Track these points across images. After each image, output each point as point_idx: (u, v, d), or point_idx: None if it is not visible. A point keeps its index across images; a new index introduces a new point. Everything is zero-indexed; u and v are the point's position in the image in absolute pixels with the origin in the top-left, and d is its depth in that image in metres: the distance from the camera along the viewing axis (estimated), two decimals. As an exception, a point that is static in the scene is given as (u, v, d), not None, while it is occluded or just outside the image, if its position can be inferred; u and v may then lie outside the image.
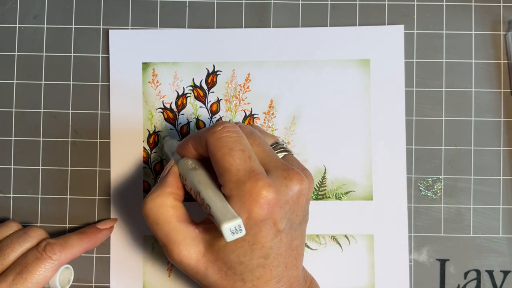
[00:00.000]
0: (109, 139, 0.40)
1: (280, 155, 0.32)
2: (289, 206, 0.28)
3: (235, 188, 0.28)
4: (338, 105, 0.40)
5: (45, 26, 0.41)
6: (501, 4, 0.41)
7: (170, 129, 0.40)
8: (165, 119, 0.41)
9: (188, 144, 0.32)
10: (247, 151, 0.28)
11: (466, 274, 0.40)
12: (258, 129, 0.34)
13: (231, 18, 0.41)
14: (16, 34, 0.41)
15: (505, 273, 0.40)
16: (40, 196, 0.40)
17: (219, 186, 0.30)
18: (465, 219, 0.40)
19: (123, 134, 0.40)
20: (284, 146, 0.33)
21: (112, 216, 0.40)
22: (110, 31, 0.41)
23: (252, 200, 0.27)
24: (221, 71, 0.41)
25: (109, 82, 0.41)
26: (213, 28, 0.41)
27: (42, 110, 0.41)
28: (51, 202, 0.40)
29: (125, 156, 0.40)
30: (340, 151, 0.40)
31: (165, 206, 0.30)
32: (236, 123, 0.32)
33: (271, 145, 0.32)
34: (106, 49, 0.41)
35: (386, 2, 0.41)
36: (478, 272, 0.40)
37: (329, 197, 0.40)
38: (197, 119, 0.41)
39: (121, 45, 0.41)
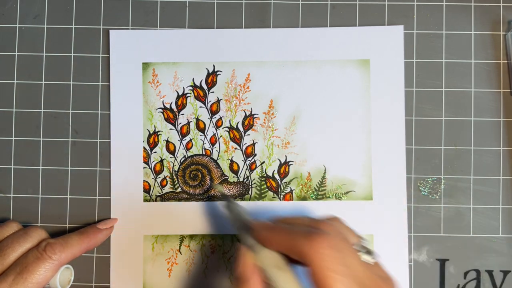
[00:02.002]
0: (109, 139, 0.40)
1: (368, 259, 0.30)
2: None
3: None
4: (338, 105, 0.40)
5: (45, 26, 0.41)
6: (501, 4, 0.41)
7: (170, 129, 0.41)
8: (165, 119, 0.41)
9: (275, 242, 0.30)
10: (350, 273, 0.27)
11: (466, 274, 0.40)
12: (341, 226, 0.31)
13: (231, 18, 0.41)
14: (17, 34, 0.41)
15: (505, 273, 0.40)
16: (40, 196, 0.40)
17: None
18: (465, 219, 0.40)
19: (123, 134, 0.40)
20: (366, 245, 0.31)
21: (112, 216, 0.40)
22: (111, 31, 0.41)
23: None
24: (221, 71, 0.41)
25: (109, 82, 0.41)
26: (213, 28, 0.41)
27: (42, 110, 0.41)
28: (51, 202, 0.40)
29: (125, 156, 0.40)
30: (340, 151, 0.40)
31: None
32: (321, 222, 0.30)
33: (356, 246, 0.30)
34: (106, 49, 0.41)
35: (386, 2, 0.41)
36: (478, 272, 0.40)
37: (329, 197, 0.40)
38: (197, 119, 0.41)
39: (121, 45, 0.41)
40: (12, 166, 0.41)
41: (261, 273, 0.30)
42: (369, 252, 0.30)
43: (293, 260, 0.29)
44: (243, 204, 0.40)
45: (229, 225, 0.40)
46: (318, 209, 0.40)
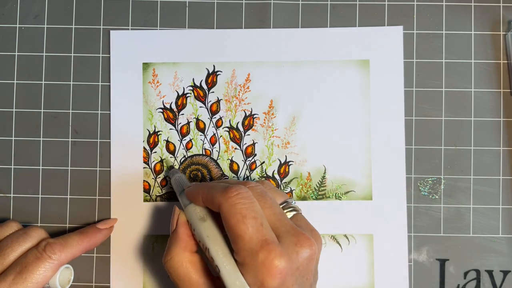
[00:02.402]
0: (109, 139, 0.40)
1: (289, 214, 0.33)
2: (300, 272, 0.29)
3: (248, 257, 0.28)
4: (338, 105, 0.40)
5: (45, 26, 0.41)
6: (501, 4, 0.41)
7: (170, 129, 0.41)
8: (165, 119, 0.41)
9: (199, 196, 0.32)
10: (259, 218, 0.29)
11: (465, 274, 0.40)
12: (268, 186, 0.34)
13: (231, 18, 0.41)
14: (17, 34, 0.41)
15: (505, 273, 0.40)
16: (40, 196, 0.40)
17: (227, 240, 0.30)
18: (465, 219, 0.40)
19: (123, 134, 0.40)
20: (293, 204, 0.34)
21: (112, 216, 0.40)
22: (112, 32, 0.41)
23: (265, 271, 0.28)
24: (221, 71, 0.41)
25: (109, 82, 0.41)
26: (213, 28, 0.41)
27: (42, 110, 0.41)
28: (51, 202, 0.40)
29: (125, 156, 0.40)
30: (340, 151, 0.40)
31: (184, 263, 0.32)
32: (246, 182, 0.32)
33: (281, 204, 0.33)
34: (107, 49, 0.41)
35: (386, 2, 0.41)
36: (477, 272, 0.40)
37: (329, 197, 0.40)
38: (197, 119, 0.41)
39: (122, 45, 0.41)
40: (12, 166, 0.41)
41: (189, 225, 0.33)
42: (296, 210, 0.33)
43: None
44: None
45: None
46: (318, 209, 0.40)
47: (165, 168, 0.40)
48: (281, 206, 0.33)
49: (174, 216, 0.34)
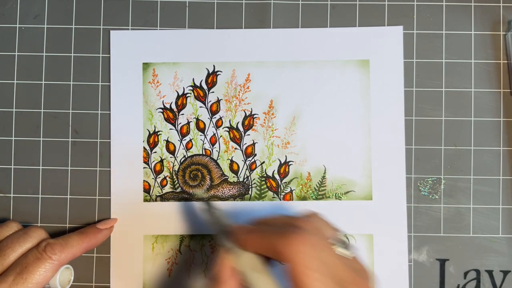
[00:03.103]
0: (109, 139, 0.40)
1: (342, 252, 0.30)
2: None
3: None
4: (338, 105, 0.40)
5: (45, 26, 0.41)
6: (501, 4, 0.41)
7: (170, 129, 0.41)
8: (165, 119, 0.41)
9: (249, 241, 0.30)
10: (327, 271, 0.28)
11: (465, 274, 0.40)
12: (319, 223, 0.31)
13: (231, 18, 0.41)
14: (17, 34, 0.41)
15: (505, 273, 0.40)
16: (40, 196, 0.40)
17: None
18: (464, 219, 0.40)
19: (123, 134, 0.40)
20: (342, 238, 0.31)
21: (112, 216, 0.40)
22: (112, 32, 0.41)
23: None
24: (221, 71, 0.41)
25: (109, 82, 0.41)
26: (213, 28, 0.41)
27: (42, 110, 0.41)
28: (51, 202, 0.40)
29: (125, 156, 0.40)
30: (340, 151, 0.40)
31: None
32: (299, 220, 0.30)
33: (331, 239, 0.31)
34: (107, 49, 0.41)
35: (386, 2, 0.41)
36: (477, 272, 0.40)
37: (329, 197, 0.40)
38: (197, 119, 0.41)
39: (122, 45, 0.41)
40: (12, 166, 0.41)
41: (239, 276, 0.30)
42: (345, 245, 0.31)
43: (269, 258, 0.30)
44: (243, 204, 0.40)
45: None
46: (318, 209, 0.40)
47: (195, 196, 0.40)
48: (331, 241, 0.31)
49: (223, 262, 0.30)
